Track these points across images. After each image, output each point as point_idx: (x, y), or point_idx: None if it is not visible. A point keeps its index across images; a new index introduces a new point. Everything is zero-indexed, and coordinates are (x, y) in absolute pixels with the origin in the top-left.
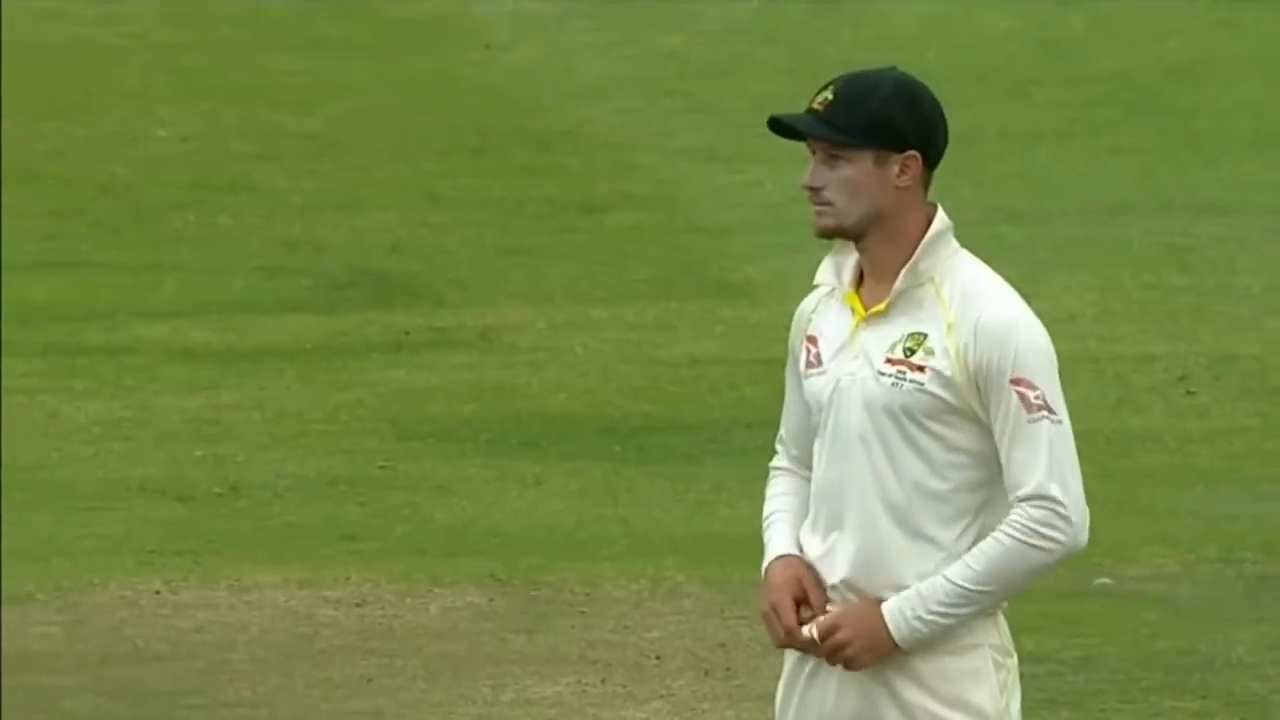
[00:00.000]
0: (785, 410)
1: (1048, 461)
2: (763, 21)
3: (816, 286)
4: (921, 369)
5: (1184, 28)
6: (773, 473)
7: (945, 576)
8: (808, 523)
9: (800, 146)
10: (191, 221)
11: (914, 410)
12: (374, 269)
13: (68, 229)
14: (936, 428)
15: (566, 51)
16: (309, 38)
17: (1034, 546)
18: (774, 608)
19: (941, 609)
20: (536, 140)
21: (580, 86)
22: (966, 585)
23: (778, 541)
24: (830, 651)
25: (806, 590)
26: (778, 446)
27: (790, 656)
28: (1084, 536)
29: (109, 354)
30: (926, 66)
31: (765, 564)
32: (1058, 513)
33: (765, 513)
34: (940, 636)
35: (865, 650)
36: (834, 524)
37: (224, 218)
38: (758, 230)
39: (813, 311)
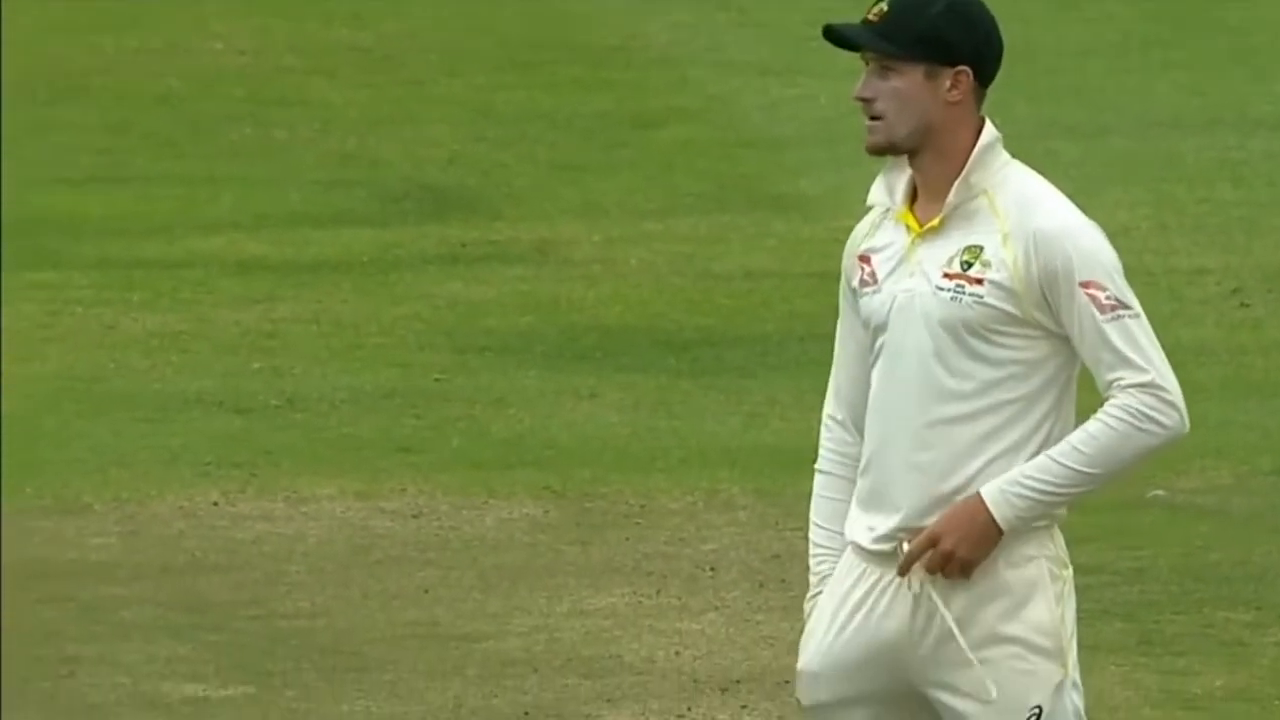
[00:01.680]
0: (834, 368)
1: (1139, 353)
2: None
3: (870, 208)
4: (980, 281)
5: None
6: (825, 457)
7: (1050, 456)
8: (867, 435)
9: (854, 62)
10: (247, 135)
11: (974, 323)
12: (429, 183)
13: (122, 143)
14: (997, 339)
15: None
16: None
17: (1143, 430)
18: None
19: (1046, 485)
20: (589, 55)
21: (632, 1)
22: (1074, 465)
23: (819, 575)
24: (940, 563)
25: None
26: (826, 419)
27: (838, 581)
28: (1188, 420)
29: (166, 267)
30: None
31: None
32: (1163, 398)
33: (821, 519)
34: (1038, 519)
35: (970, 542)
36: (891, 439)
37: (279, 131)
38: (810, 144)
39: (865, 234)
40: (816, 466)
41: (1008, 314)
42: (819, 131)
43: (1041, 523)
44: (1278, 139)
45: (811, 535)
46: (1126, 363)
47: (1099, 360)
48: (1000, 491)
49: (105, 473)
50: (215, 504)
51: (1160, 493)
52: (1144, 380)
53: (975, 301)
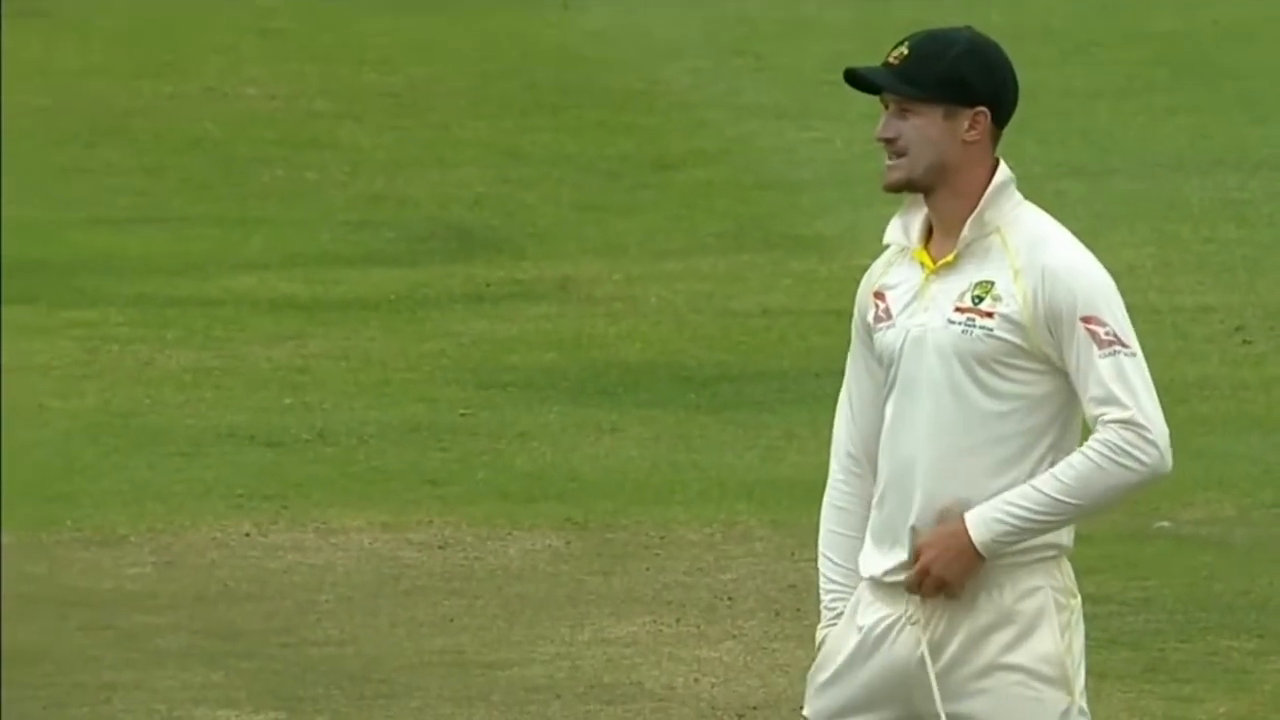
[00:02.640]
0: (846, 400)
1: (1127, 390)
2: None
3: (886, 246)
4: (990, 315)
5: None
6: (834, 489)
7: (1031, 484)
8: (879, 478)
9: (868, 106)
10: (279, 177)
11: (984, 355)
12: (455, 223)
13: (160, 184)
14: (1006, 372)
15: (641, 13)
16: (393, 0)
17: (1123, 466)
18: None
19: (1024, 512)
20: (612, 99)
21: (654, 47)
22: (1053, 494)
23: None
24: (918, 579)
25: None
26: (836, 453)
27: (852, 614)
28: (1169, 460)
29: (200, 305)
30: (991, 27)
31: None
32: (1144, 437)
33: (831, 552)
34: (1019, 544)
35: (946, 561)
36: (905, 471)
37: (310, 173)
38: (826, 185)
39: (881, 271)
40: (827, 500)
41: (1016, 347)
42: (834, 173)
43: (1019, 547)
44: (1278, 180)
45: (823, 569)
46: (1112, 398)
47: (1088, 393)
48: (980, 516)
49: (141, 505)
50: (247, 535)
51: (1165, 524)
52: (1125, 416)
53: (986, 335)
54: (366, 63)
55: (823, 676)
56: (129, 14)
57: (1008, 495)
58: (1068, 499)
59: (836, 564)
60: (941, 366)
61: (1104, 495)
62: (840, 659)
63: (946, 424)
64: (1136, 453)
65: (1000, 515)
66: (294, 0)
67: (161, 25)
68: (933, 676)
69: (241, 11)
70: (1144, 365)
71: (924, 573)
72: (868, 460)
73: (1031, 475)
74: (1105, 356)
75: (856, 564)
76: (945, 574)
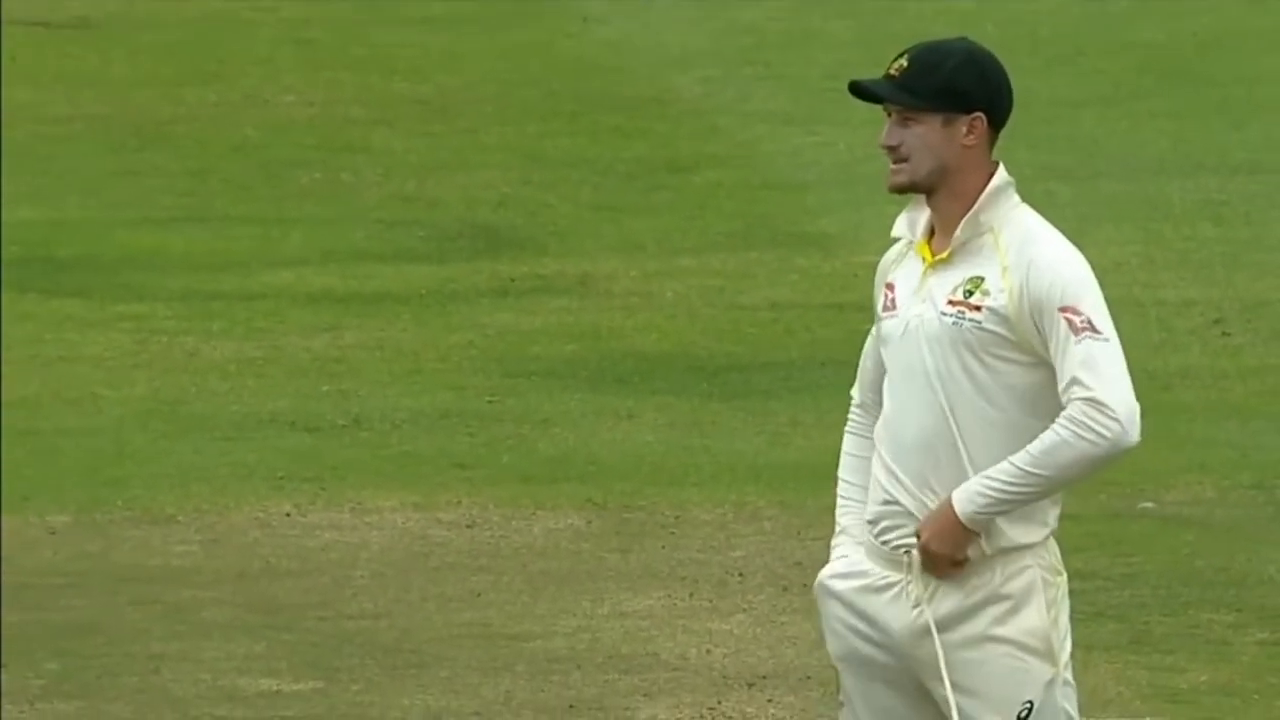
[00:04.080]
0: (862, 363)
1: (1092, 371)
2: None
3: (895, 240)
4: (979, 308)
5: (1217, 3)
6: (849, 422)
7: (1009, 459)
8: (878, 449)
9: (869, 112)
10: (316, 179)
11: (974, 345)
12: (482, 222)
13: (203, 186)
14: (994, 363)
15: (655, 24)
16: (421, 13)
17: (1085, 439)
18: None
19: (1000, 485)
20: (628, 106)
21: (667, 57)
22: (1023, 466)
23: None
24: (924, 557)
25: None
26: (853, 393)
27: (852, 573)
28: (1134, 433)
29: (242, 299)
30: (986, 37)
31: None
32: (1105, 412)
33: (845, 474)
34: (1000, 514)
35: (938, 536)
36: (901, 451)
37: (345, 175)
38: (830, 186)
39: (893, 262)
40: (846, 430)
41: (1003, 338)
42: (838, 175)
43: (1000, 510)
44: (1255, 182)
45: (839, 489)
46: (1078, 379)
47: (1061, 377)
48: (963, 491)
49: (188, 486)
50: (288, 515)
51: (1149, 505)
52: (1088, 395)
53: (974, 326)
54: (398, 72)
55: (839, 566)
56: (174, 28)
57: (989, 470)
58: (1038, 470)
59: (850, 483)
60: (935, 356)
61: (1071, 467)
62: (857, 566)
63: (938, 410)
64: (1098, 427)
65: (980, 489)
66: (328, 13)
67: (204, 38)
68: (939, 645)
69: (279, 24)
70: (1117, 350)
71: (924, 550)
72: (874, 406)
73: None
74: (1079, 343)
75: (862, 480)
76: (940, 549)
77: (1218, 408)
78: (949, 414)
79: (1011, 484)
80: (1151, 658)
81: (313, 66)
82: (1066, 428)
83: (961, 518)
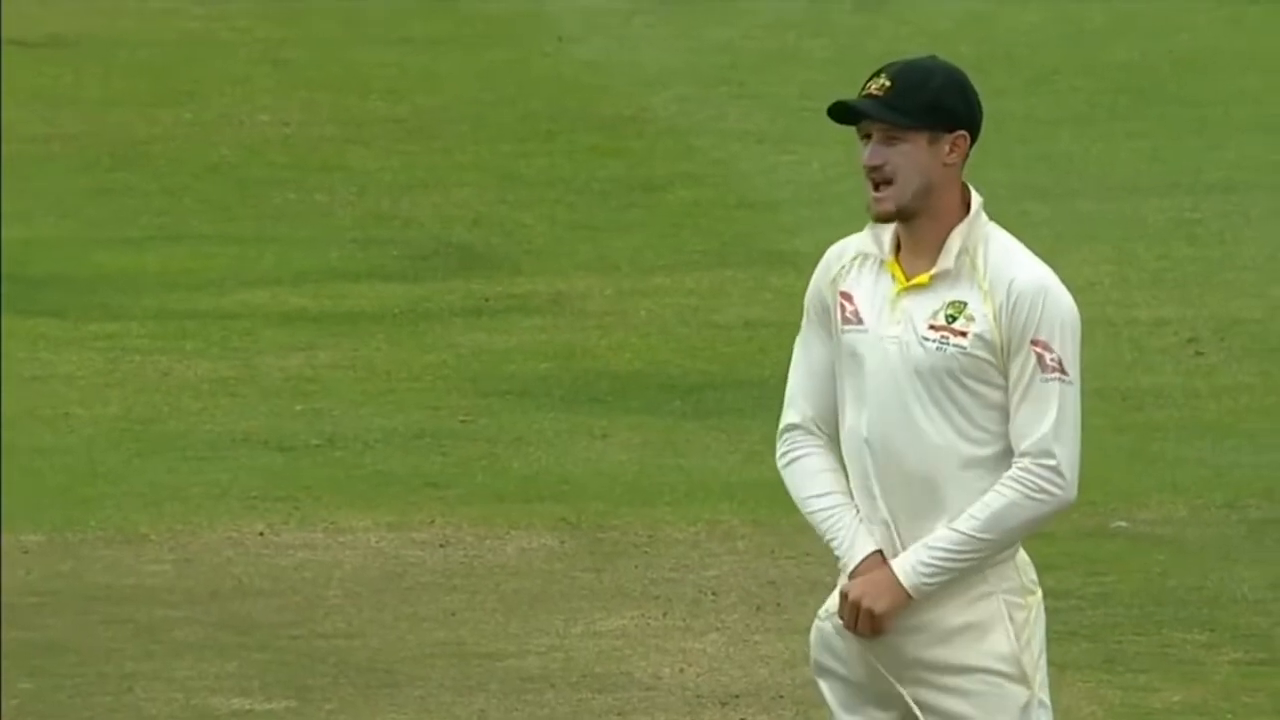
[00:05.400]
0: (798, 378)
1: (1053, 420)
2: (810, 16)
3: (855, 242)
4: (964, 334)
5: (1192, 23)
6: (790, 444)
7: (949, 526)
8: (850, 469)
9: (842, 131)
10: (291, 198)
11: (957, 372)
12: (456, 241)
13: (178, 205)
14: (978, 388)
15: (631, 44)
16: (397, 33)
17: (1033, 499)
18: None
19: (945, 555)
20: (603, 125)
21: (643, 76)
22: (969, 532)
23: (863, 540)
24: (851, 615)
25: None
26: (793, 418)
27: (826, 608)
28: (1074, 492)
29: (216, 318)
30: (960, 58)
31: (858, 558)
32: (1057, 470)
33: (816, 490)
34: (948, 582)
35: (877, 598)
36: (876, 479)
37: (320, 195)
38: (804, 205)
39: (845, 268)
40: (786, 461)
41: (989, 364)
42: (811, 194)
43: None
44: (1229, 201)
45: (812, 514)
46: (1037, 425)
47: (1018, 411)
48: (905, 560)
49: (161, 506)
50: (261, 534)
51: (1122, 524)
52: (1043, 449)
53: (960, 353)
54: (373, 92)
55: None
56: (150, 47)
57: (930, 539)
58: (985, 535)
59: (821, 495)
60: (915, 382)
61: (1018, 529)
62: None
63: (918, 437)
64: (1049, 486)
65: (927, 560)
66: (304, 33)
67: (180, 57)
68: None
69: (255, 44)
70: (1077, 397)
71: (854, 608)
72: (818, 427)
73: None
74: (1045, 382)
75: (840, 487)
76: (873, 606)
77: (1191, 427)
78: (931, 443)
79: (959, 552)
80: (1124, 677)
81: (288, 86)
82: (1015, 489)
83: (909, 589)
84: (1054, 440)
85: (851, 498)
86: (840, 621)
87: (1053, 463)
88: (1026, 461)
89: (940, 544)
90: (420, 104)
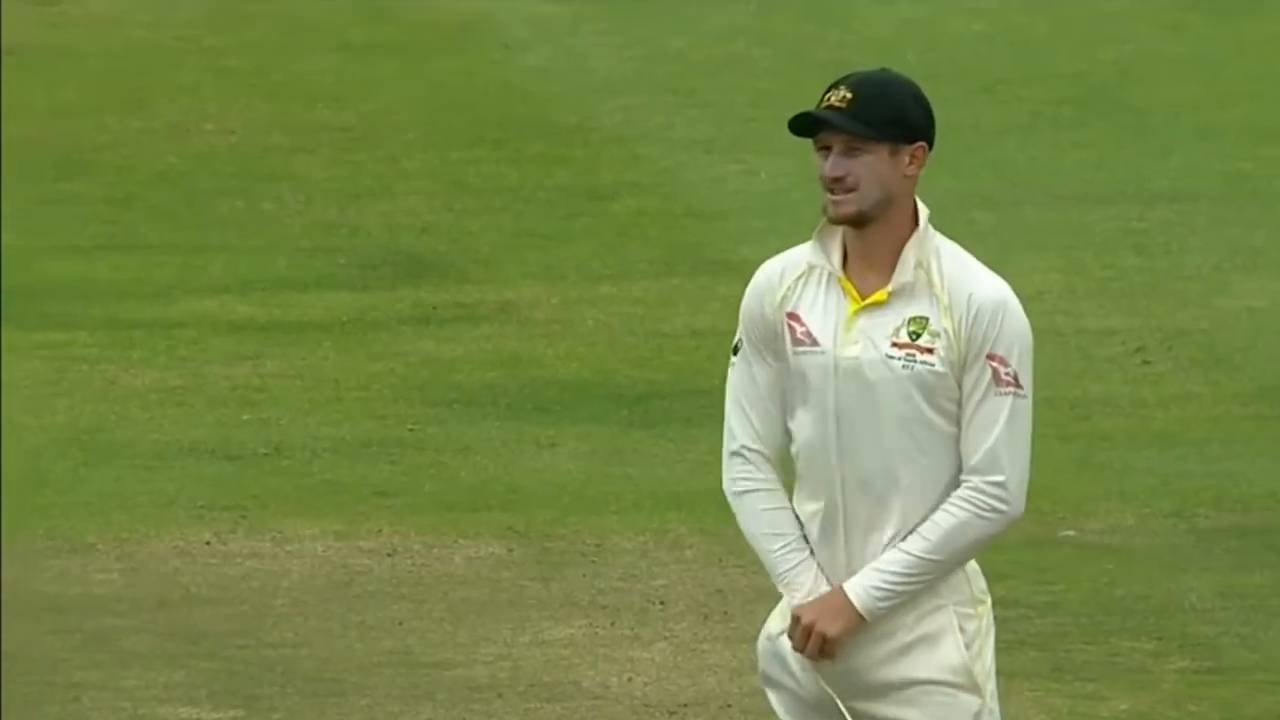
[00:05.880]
0: (742, 402)
1: (1004, 436)
2: (758, 25)
3: (776, 255)
4: (930, 350)
5: (1135, 32)
6: (748, 481)
7: (900, 547)
8: (800, 495)
9: (792, 140)
10: (238, 207)
11: (925, 389)
12: (404, 249)
13: (126, 214)
14: (945, 403)
15: (578, 52)
16: (343, 40)
17: (983, 519)
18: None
19: (897, 578)
20: (551, 133)
21: (590, 84)
22: (920, 554)
23: (813, 580)
24: (803, 638)
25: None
26: (737, 446)
27: (772, 620)
28: (1021, 507)
29: (163, 327)
30: (906, 66)
31: (800, 592)
32: (1004, 486)
33: (757, 525)
34: (900, 602)
35: (826, 619)
36: (834, 495)
37: (267, 204)
38: (752, 215)
39: (787, 292)
40: (738, 490)
41: (953, 381)
42: (759, 203)
43: (902, 601)
44: (1175, 210)
45: (764, 554)
46: (987, 440)
47: (970, 424)
48: (858, 584)
49: (108, 515)
50: (208, 543)
51: (1070, 533)
52: (992, 466)
53: (929, 371)
54: (319, 100)
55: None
56: (97, 57)
57: (879, 562)
58: (935, 556)
59: (773, 534)
60: (879, 401)
61: (969, 549)
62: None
63: (882, 455)
64: (999, 504)
65: (879, 583)
66: (249, 42)
67: (126, 67)
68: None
69: (201, 53)
70: (1029, 412)
71: (807, 632)
72: (768, 453)
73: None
74: (999, 395)
75: (791, 529)
76: (826, 630)
77: (1138, 436)
78: (897, 460)
79: (910, 574)
80: (1072, 686)
81: (234, 95)
82: (964, 509)
83: (862, 611)
84: (1003, 456)
85: (804, 539)
86: (789, 642)
87: (1000, 479)
88: (975, 480)
89: (892, 567)
90: (367, 112)
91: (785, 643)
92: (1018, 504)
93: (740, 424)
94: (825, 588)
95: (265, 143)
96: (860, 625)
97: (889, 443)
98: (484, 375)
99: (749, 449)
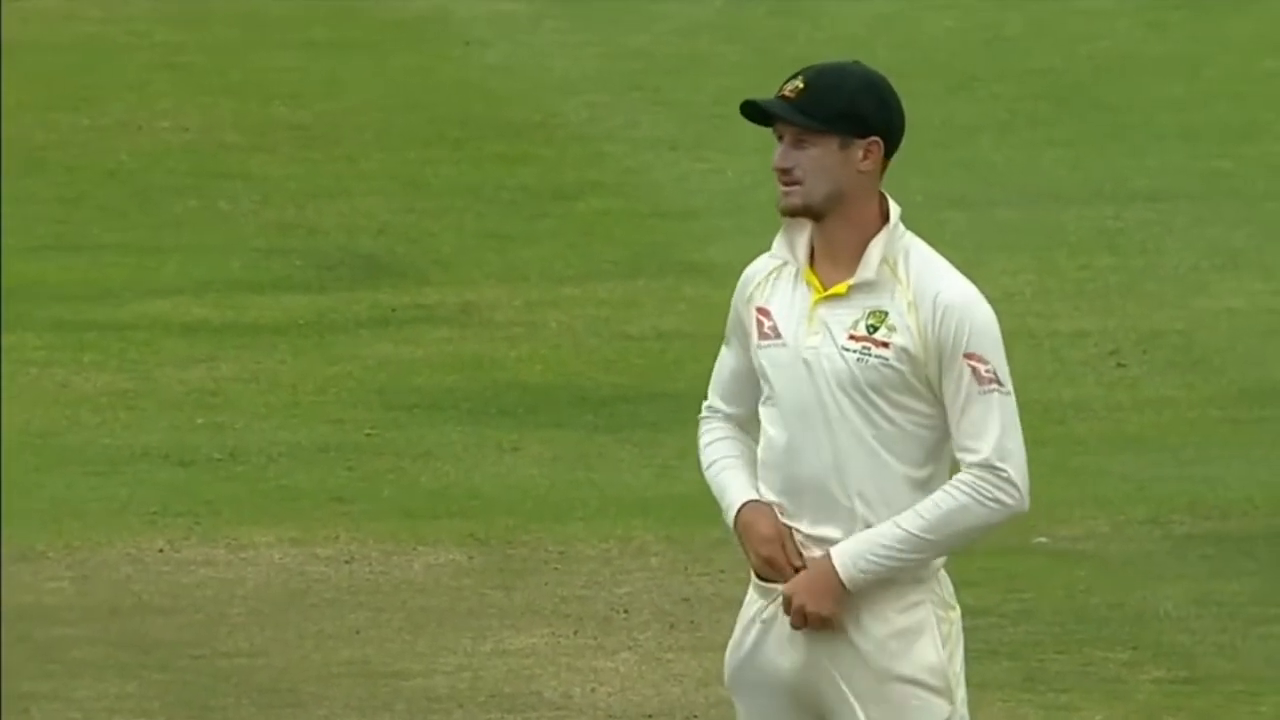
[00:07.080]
0: (719, 375)
1: (998, 430)
2: (724, 21)
3: (769, 256)
4: (886, 345)
5: (1112, 29)
6: (706, 426)
7: (895, 522)
8: (763, 481)
9: (759, 140)
10: (192, 206)
11: (878, 384)
12: (362, 250)
13: (76, 214)
14: (899, 399)
15: (540, 49)
16: (300, 37)
17: (985, 505)
18: (775, 559)
19: (887, 552)
20: (512, 132)
21: (553, 82)
22: (915, 532)
23: (740, 487)
24: (797, 619)
25: (784, 542)
26: (707, 409)
27: (741, 619)
28: (1028, 503)
29: (115, 329)
30: (877, 62)
31: (734, 508)
32: (1009, 479)
33: (709, 458)
34: (884, 580)
35: (815, 597)
36: (794, 491)
37: (222, 203)
38: (718, 214)
39: (760, 284)
40: (701, 445)
41: (910, 377)
42: (726, 203)
43: (887, 576)
44: (1151, 210)
45: (709, 478)
46: (982, 439)
47: (961, 427)
48: (844, 553)
49: (59, 522)
50: (161, 550)
51: (1043, 540)
52: (991, 459)
53: (881, 364)
54: (275, 97)
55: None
56: (46, 52)
57: (871, 534)
58: (930, 535)
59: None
60: (834, 393)
61: (966, 533)
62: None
63: (842, 449)
64: (1000, 494)
65: (866, 552)
66: (204, 38)
67: (77, 62)
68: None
69: (153, 49)
70: (1014, 404)
71: (799, 611)
72: (742, 426)
73: (913, 501)
74: (983, 394)
75: (744, 455)
76: (818, 609)
77: (1113, 440)
78: (854, 453)
79: (900, 549)
80: (1045, 696)
81: (188, 91)
82: (966, 493)
83: (844, 580)
84: (1003, 450)
85: (744, 461)
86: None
87: (1006, 473)
88: (978, 470)
89: (882, 540)
90: (324, 110)
91: (761, 637)
92: (1024, 499)
93: (712, 392)
94: (752, 495)
95: (221, 141)
96: (848, 597)
97: (840, 438)
98: (444, 378)
99: (713, 408)
